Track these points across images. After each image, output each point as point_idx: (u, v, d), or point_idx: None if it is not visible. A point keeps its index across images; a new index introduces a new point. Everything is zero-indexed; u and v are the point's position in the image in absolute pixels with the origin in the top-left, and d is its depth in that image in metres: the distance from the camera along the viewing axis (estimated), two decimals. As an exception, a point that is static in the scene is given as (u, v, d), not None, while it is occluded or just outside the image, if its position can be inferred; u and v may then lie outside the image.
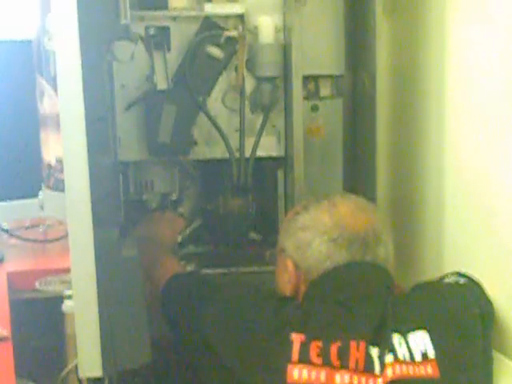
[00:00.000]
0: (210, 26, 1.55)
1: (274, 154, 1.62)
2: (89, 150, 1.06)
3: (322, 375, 1.07)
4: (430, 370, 1.08)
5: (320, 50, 1.66)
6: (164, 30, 1.55)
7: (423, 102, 1.49)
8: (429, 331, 1.11)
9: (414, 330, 1.11)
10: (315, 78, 1.68)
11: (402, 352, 1.09)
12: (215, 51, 1.56)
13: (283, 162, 1.63)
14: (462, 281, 1.25)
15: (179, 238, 1.67)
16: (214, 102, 1.60)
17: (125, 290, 1.17)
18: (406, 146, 1.59)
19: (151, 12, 1.54)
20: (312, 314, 1.13)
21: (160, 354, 1.26)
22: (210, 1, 1.55)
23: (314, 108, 1.69)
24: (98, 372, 1.11)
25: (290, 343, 1.09)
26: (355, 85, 1.69)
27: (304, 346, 1.08)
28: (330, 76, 1.69)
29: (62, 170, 1.13)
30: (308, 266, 1.21)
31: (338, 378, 1.07)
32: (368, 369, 1.07)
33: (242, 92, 1.57)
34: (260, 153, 1.60)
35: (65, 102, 1.06)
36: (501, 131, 1.20)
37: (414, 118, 1.54)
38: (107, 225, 1.21)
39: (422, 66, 1.50)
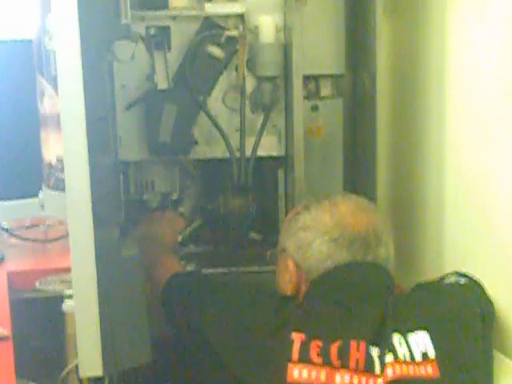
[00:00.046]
0: (211, 26, 1.55)
1: (274, 153, 1.62)
2: (89, 150, 1.06)
3: (322, 375, 1.07)
4: (430, 370, 1.08)
5: (320, 49, 1.66)
6: (164, 30, 1.55)
7: (423, 102, 1.50)
8: (429, 331, 1.11)
9: (414, 330, 1.11)
10: (315, 78, 1.68)
11: (402, 352, 1.09)
12: (216, 51, 1.56)
13: (283, 161, 1.63)
14: (462, 281, 1.25)
15: (179, 238, 1.67)
16: (215, 101, 1.60)
17: (125, 289, 1.17)
18: (406, 145, 1.59)
19: (152, 12, 1.54)
20: (312, 313, 1.13)
21: (160, 354, 1.26)
22: (210, 0, 1.55)
23: (315, 108, 1.69)
24: (98, 371, 1.11)
25: (290, 342, 1.09)
26: (355, 85, 1.70)
27: (304, 346, 1.08)
28: (331, 76, 1.69)
29: (62, 170, 1.13)
30: (309, 265, 1.21)
31: (338, 377, 1.07)
32: (368, 369, 1.07)
33: (242, 92, 1.57)
34: (260, 152, 1.60)
35: (65, 101, 1.06)
36: (501, 131, 1.20)
37: (414, 118, 1.54)
38: (108, 224, 1.21)
39: (422, 66, 1.50)
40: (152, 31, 1.54)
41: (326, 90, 1.69)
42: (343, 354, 1.08)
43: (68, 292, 1.35)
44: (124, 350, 1.14)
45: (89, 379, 1.23)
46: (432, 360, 1.09)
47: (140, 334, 1.19)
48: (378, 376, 1.07)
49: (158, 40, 1.54)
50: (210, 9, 1.54)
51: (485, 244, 1.27)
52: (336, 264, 1.19)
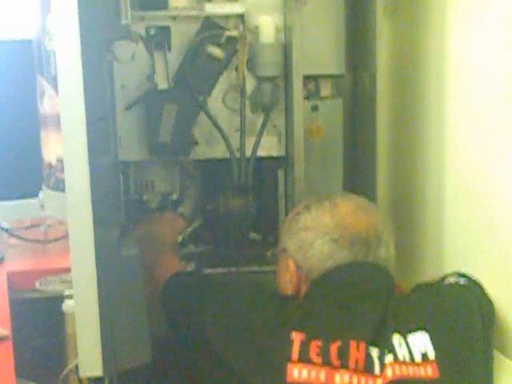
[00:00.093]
0: (211, 26, 1.55)
1: (274, 153, 1.63)
2: (89, 150, 1.06)
3: (322, 375, 1.07)
4: (429, 371, 1.08)
5: (320, 49, 1.65)
6: (164, 30, 1.55)
7: (423, 102, 1.50)
8: (429, 332, 1.11)
9: (414, 330, 1.11)
10: (315, 78, 1.68)
11: (401, 352, 1.09)
12: (216, 51, 1.56)
13: (284, 161, 1.63)
14: (462, 281, 1.25)
15: (179, 238, 1.67)
16: (215, 101, 1.60)
17: (125, 289, 1.17)
18: (406, 145, 1.59)
19: (152, 12, 1.54)
20: (313, 313, 1.13)
21: (160, 354, 1.26)
22: (210, 1, 1.55)
23: (315, 108, 1.69)
24: (98, 371, 1.11)
25: (290, 342, 1.09)
26: (355, 85, 1.70)
27: (304, 345, 1.08)
28: (331, 76, 1.69)
29: (62, 170, 1.13)
30: (309, 266, 1.21)
31: (337, 377, 1.07)
32: (368, 369, 1.07)
33: (242, 92, 1.57)
34: (260, 153, 1.60)
35: (65, 101, 1.06)
36: (501, 131, 1.20)
37: (414, 118, 1.54)
38: (107, 224, 1.21)
39: (422, 66, 1.50)
40: (152, 31, 1.54)
41: (326, 90, 1.69)
42: (343, 354, 1.07)
43: (68, 292, 1.35)
44: (124, 350, 1.14)
45: (89, 379, 1.23)
46: (432, 361, 1.09)
47: (140, 334, 1.19)
48: (377, 376, 1.07)
49: (158, 40, 1.54)
50: (210, 9, 1.54)
51: (485, 244, 1.27)
52: (337, 264, 1.19)
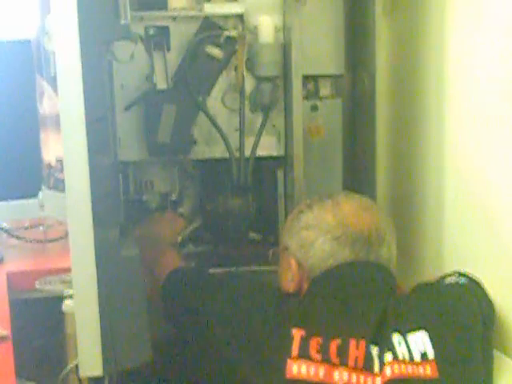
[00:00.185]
0: (210, 26, 1.55)
1: (273, 153, 1.63)
2: (89, 150, 1.06)
3: (321, 371, 1.07)
4: (428, 371, 1.08)
5: (320, 49, 1.66)
6: (163, 30, 1.55)
7: (423, 102, 1.50)
8: (428, 331, 1.11)
9: (413, 330, 1.11)
10: (315, 78, 1.68)
11: (401, 351, 1.09)
12: (215, 51, 1.56)
13: (283, 161, 1.63)
14: (462, 281, 1.25)
15: (179, 238, 1.67)
16: (214, 101, 1.60)
17: (125, 289, 1.17)
18: (406, 145, 1.59)
19: (151, 12, 1.54)
20: (313, 310, 1.13)
21: (160, 354, 1.26)
22: (209, 1, 1.55)
23: (314, 108, 1.69)
24: (98, 371, 1.11)
25: (290, 338, 1.09)
26: (355, 84, 1.70)
27: (304, 342, 1.09)
28: (330, 76, 1.69)
29: (61, 170, 1.13)
30: (311, 264, 1.21)
31: (336, 375, 1.07)
32: (367, 367, 1.08)
33: (241, 92, 1.57)
34: (260, 152, 1.60)
35: (65, 102, 1.06)
36: (500, 131, 1.20)
37: (414, 118, 1.54)
38: (107, 225, 1.21)
39: (421, 66, 1.50)
40: (151, 31, 1.54)
41: (325, 89, 1.70)
42: (342, 352, 1.08)
43: (68, 292, 1.35)
44: (124, 349, 1.14)
45: (89, 379, 1.24)
46: (431, 360, 1.09)
47: (140, 334, 1.19)
48: (376, 375, 1.07)
49: (158, 40, 1.54)
50: (209, 9, 1.54)
51: (485, 244, 1.27)
52: (338, 263, 1.19)
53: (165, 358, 1.41)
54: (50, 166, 1.44)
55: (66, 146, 1.07)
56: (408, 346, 1.10)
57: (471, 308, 1.17)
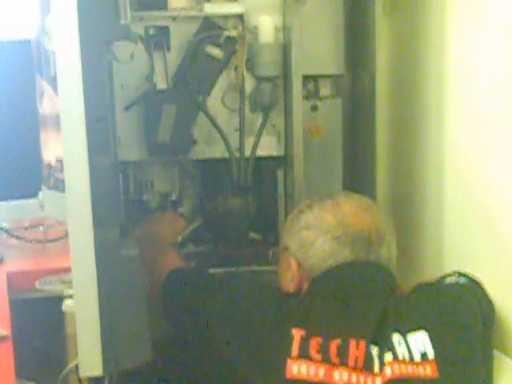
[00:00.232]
0: (210, 26, 1.55)
1: (273, 153, 1.63)
2: (89, 150, 1.06)
3: (321, 371, 1.07)
4: (428, 371, 1.08)
5: (320, 49, 1.66)
6: (163, 30, 1.55)
7: (423, 102, 1.50)
8: (428, 332, 1.11)
9: (413, 330, 1.11)
10: (315, 78, 1.68)
11: (401, 351, 1.09)
12: (215, 51, 1.56)
13: (283, 161, 1.63)
14: (462, 281, 1.25)
15: (179, 238, 1.67)
16: (214, 101, 1.60)
17: (125, 289, 1.17)
18: (406, 145, 1.59)
19: (151, 12, 1.54)
20: (313, 310, 1.13)
21: (160, 354, 1.26)
22: (209, 1, 1.55)
23: (314, 108, 1.69)
24: (98, 371, 1.11)
25: (290, 338, 1.09)
26: (355, 84, 1.70)
27: (304, 342, 1.09)
28: (330, 76, 1.69)
29: (61, 170, 1.13)
30: (311, 264, 1.21)
31: (336, 375, 1.07)
32: (367, 367, 1.08)
33: (241, 92, 1.57)
34: (260, 152, 1.60)
35: (65, 102, 1.06)
36: (500, 131, 1.20)
37: (414, 118, 1.54)
38: (107, 224, 1.21)
39: (421, 66, 1.50)
40: (151, 31, 1.54)
41: (325, 89, 1.70)
42: (342, 352, 1.08)
43: (68, 292, 1.35)
44: (124, 349, 1.15)
45: (89, 379, 1.24)
46: (431, 360, 1.09)
47: (140, 334, 1.19)
48: (376, 375, 1.07)
49: (157, 40, 1.54)
50: (209, 9, 1.54)
51: (485, 244, 1.27)
52: (338, 263, 1.19)
53: (165, 358, 1.41)
54: (50, 166, 1.44)
55: (66, 145, 1.07)
56: (408, 346, 1.10)
57: (471, 308, 1.17)
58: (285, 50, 1.56)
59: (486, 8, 1.23)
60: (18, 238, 1.97)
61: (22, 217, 1.97)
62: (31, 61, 1.50)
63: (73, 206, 1.07)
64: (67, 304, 1.34)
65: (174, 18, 1.55)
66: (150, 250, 1.46)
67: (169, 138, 1.53)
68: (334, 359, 1.07)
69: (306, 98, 1.67)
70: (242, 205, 1.64)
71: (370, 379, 1.07)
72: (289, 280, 1.25)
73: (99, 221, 1.08)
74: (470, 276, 1.26)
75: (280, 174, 1.64)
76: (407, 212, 1.59)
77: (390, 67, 1.63)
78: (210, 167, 1.66)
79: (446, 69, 1.39)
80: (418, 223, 1.54)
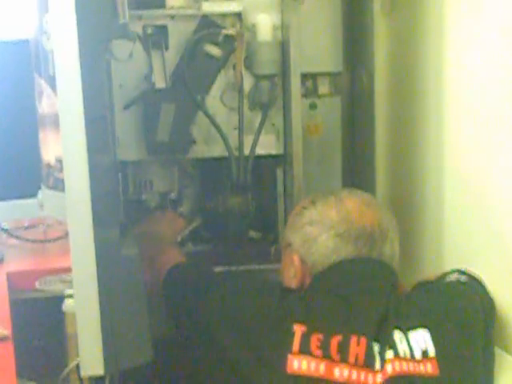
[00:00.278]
0: (208, 25, 1.55)
1: (272, 152, 1.63)
2: (88, 150, 1.06)
3: (322, 367, 1.07)
4: (429, 368, 1.08)
5: (318, 47, 1.66)
6: (162, 29, 1.55)
7: (422, 100, 1.49)
8: (429, 329, 1.11)
9: (415, 327, 1.11)
10: (313, 76, 1.68)
11: (402, 349, 1.09)
12: (213, 49, 1.56)
13: (282, 160, 1.63)
14: (463, 278, 1.25)
15: (179, 238, 1.67)
16: (213, 100, 1.60)
17: (126, 288, 1.17)
18: (405, 144, 1.59)
19: (149, 11, 1.54)
20: (315, 306, 1.13)
21: (161, 353, 1.26)
22: (207, -1, 1.55)
23: (313, 106, 1.69)
24: (99, 371, 1.11)
25: (291, 334, 1.09)
26: (353, 82, 1.70)
27: (305, 338, 1.09)
28: (328, 74, 1.69)
29: (61, 170, 1.13)
30: (314, 260, 1.21)
31: (337, 371, 1.07)
32: (368, 364, 1.07)
33: (240, 90, 1.57)
34: (259, 151, 1.60)
35: (63, 101, 1.06)
36: (500, 130, 1.20)
37: (413, 117, 1.54)
38: (107, 224, 1.21)
39: (420, 64, 1.50)
40: (149, 30, 1.54)
41: (323, 87, 1.69)
42: (343, 349, 1.08)
43: (68, 292, 1.35)
44: (125, 349, 1.15)
45: (90, 378, 1.24)
46: (432, 358, 1.09)
47: (141, 334, 1.19)
48: (377, 372, 1.07)
49: (156, 39, 1.54)
50: (207, 7, 1.54)
51: (485, 244, 1.27)
52: (341, 259, 1.19)
53: (166, 357, 1.41)
54: (49, 166, 1.44)
55: (66, 145, 1.06)
56: (409, 344, 1.10)
57: (472, 306, 1.17)
58: (283, 48, 1.56)
59: (485, 6, 1.23)
60: (17, 238, 1.97)
61: (22, 217, 1.97)
62: (30, 60, 1.50)
63: (72, 205, 1.07)
64: (67, 304, 1.34)
65: (172, 17, 1.55)
66: (149, 249, 1.45)
67: (168, 138, 1.53)
68: (335, 355, 1.07)
69: (305, 96, 1.67)
70: (242, 203, 1.64)
71: (370, 376, 1.07)
72: (291, 276, 1.24)
73: (99, 220, 1.08)
74: (471, 274, 1.26)
75: (279, 173, 1.64)
76: (407, 212, 1.59)
77: (389, 65, 1.63)
78: (210, 166, 1.66)
79: (444, 67, 1.38)
80: (418, 223, 1.54)
